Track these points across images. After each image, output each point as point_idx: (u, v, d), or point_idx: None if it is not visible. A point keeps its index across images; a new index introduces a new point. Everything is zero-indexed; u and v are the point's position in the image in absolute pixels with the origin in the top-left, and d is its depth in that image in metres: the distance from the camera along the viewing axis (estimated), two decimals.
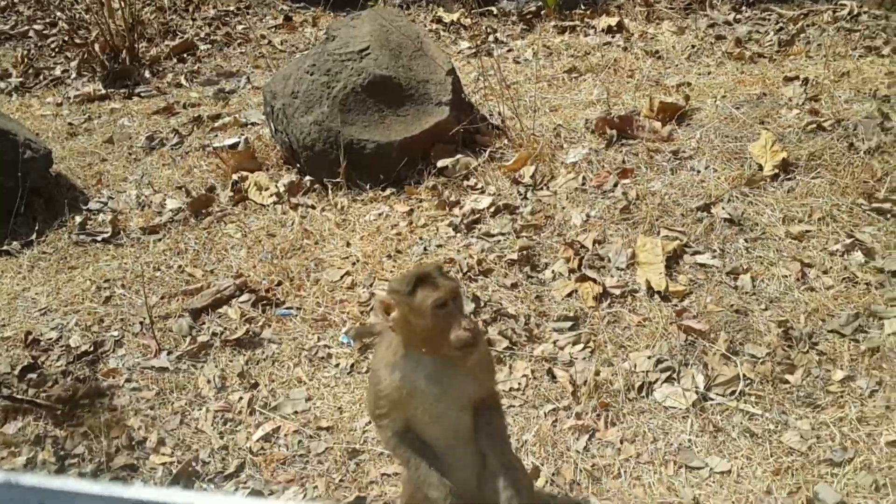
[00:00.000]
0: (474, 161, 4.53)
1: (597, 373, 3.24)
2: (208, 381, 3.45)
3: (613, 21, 6.17)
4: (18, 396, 3.37)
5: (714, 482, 2.83)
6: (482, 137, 4.76)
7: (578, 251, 3.81)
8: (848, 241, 3.68)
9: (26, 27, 7.41)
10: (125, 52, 6.48)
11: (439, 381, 2.27)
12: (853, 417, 2.97)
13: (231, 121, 5.48)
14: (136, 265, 4.13)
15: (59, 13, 7.61)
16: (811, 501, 2.71)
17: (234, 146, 5.11)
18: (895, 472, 2.77)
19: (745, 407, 3.06)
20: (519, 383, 3.26)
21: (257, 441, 3.19)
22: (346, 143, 4.47)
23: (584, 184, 4.26)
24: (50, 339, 3.71)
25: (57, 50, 7.08)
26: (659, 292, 3.55)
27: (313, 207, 4.47)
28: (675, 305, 3.50)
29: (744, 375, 3.15)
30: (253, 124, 5.42)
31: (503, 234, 4.01)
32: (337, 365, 3.49)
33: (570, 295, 3.63)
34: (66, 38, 7.08)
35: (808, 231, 3.78)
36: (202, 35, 7.12)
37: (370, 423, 3.13)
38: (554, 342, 3.42)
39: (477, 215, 4.16)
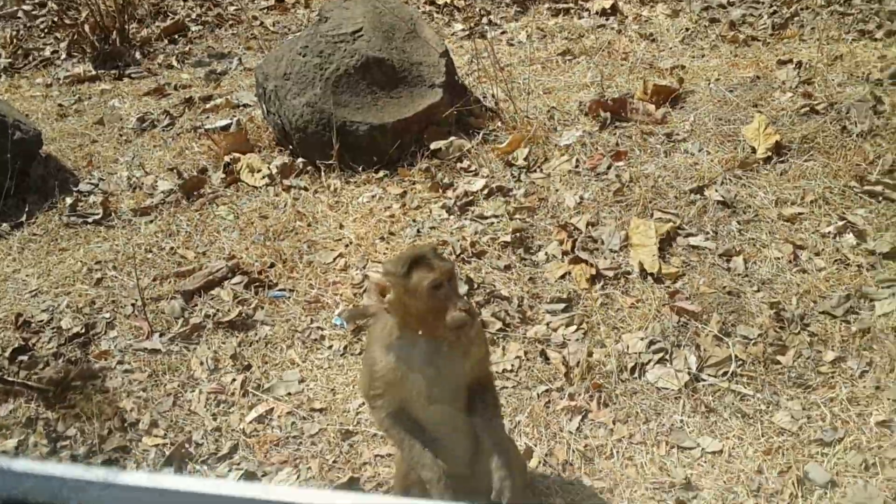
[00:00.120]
0: (468, 143, 4.52)
1: (590, 354, 3.25)
2: (201, 363, 3.45)
3: (608, 3, 6.15)
4: (9, 379, 3.36)
5: (706, 462, 2.85)
6: (476, 120, 4.74)
7: (572, 233, 3.81)
8: (840, 223, 3.69)
9: (15, 7, 7.34)
10: (115, 33, 6.42)
11: (434, 362, 2.27)
12: (844, 398, 2.99)
13: (223, 102, 5.45)
14: (127, 247, 4.11)
15: None
16: (801, 481, 2.73)
17: (225, 128, 5.08)
18: (884, 452, 2.79)
19: (737, 388, 3.08)
20: (512, 364, 3.27)
21: (250, 423, 3.19)
22: (338, 125, 4.45)
23: (577, 166, 4.25)
24: (41, 321, 3.69)
25: (46, 31, 7.02)
26: (652, 274, 3.56)
27: (306, 189, 4.45)
28: (668, 287, 3.51)
29: (736, 356, 3.17)
30: (245, 106, 5.39)
31: (496, 217, 4.01)
32: (330, 347, 3.49)
33: (563, 277, 3.64)
34: (55, 19, 7.01)
35: (800, 213, 3.78)
36: (193, 16, 7.07)
37: (363, 404, 3.14)
38: (547, 324, 3.43)
39: (470, 197, 4.15)
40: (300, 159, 4.64)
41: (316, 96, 4.55)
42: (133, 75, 6.18)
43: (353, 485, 2.88)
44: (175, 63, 6.32)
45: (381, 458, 2.99)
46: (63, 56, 6.56)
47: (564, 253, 3.74)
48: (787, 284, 3.47)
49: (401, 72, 4.66)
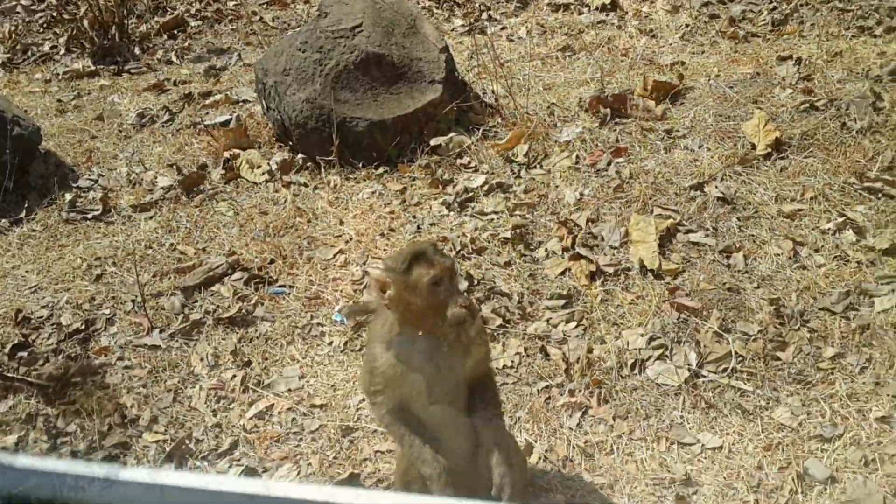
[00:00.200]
0: (468, 139, 4.51)
1: (590, 350, 3.25)
2: (201, 359, 3.45)
3: None
4: (9, 375, 3.36)
5: (705, 458, 2.85)
6: (475, 116, 4.74)
7: (572, 229, 3.81)
8: (839, 219, 3.69)
9: (14, 2, 7.32)
10: (114, 28, 6.41)
11: (434, 358, 2.27)
12: (843, 394, 2.99)
13: (222, 98, 5.44)
14: (127, 243, 4.11)
15: None
16: (801, 477, 2.73)
17: (225, 123, 5.07)
18: (884, 448, 2.80)
19: (737, 384, 3.08)
20: (512, 361, 3.27)
21: (251, 419, 3.19)
22: (338, 121, 4.44)
23: (577, 162, 4.25)
24: (41, 317, 3.69)
25: (45, 26, 7.00)
26: (652, 270, 3.56)
27: (306, 185, 4.45)
28: (668, 283, 3.51)
29: (736, 353, 3.17)
30: (244, 102, 5.38)
31: (496, 213, 4.01)
32: (330, 343, 3.49)
33: (563, 273, 3.64)
34: (54, 14, 6.99)
35: (800, 210, 3.79)
36: (192, 11, 7.05)
37: (364, 400, 3.14)
38: (547, 320, 3.43)
39: (470, 194, 4.15)
40: (300, 155, 4.63)
41: (315, 92, 4.54)
42: (132, 71, 6.17)
43: (353, 481, 2.89)
44: (174, 58, 6.31)
45: (381, 454, 3.00)
46: (62, 51, 6.54)
47: (564, 249, 3.74)
48: (787, 281, 3.47)
49: (400, 68, 4.65)
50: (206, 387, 3.33)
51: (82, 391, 3.32)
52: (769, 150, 4.10)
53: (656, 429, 2.97)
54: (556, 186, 4.10)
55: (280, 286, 3.78)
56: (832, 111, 4.30)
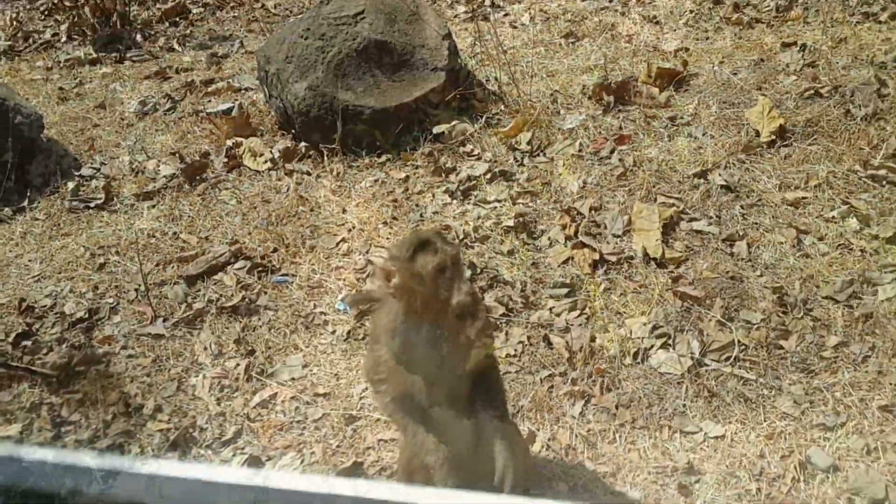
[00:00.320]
0: (470, 127, 4.50)
1: (592, 339, 3.26)
2: (205, 348, 3.46)
3: None
4: (13, 364, 3.37)
5: (708, 446, 2.86)
6: (478, 103, 4.73)
7: (575, 218, 3.80)
8: (843, 207, 3.68)
9: None
10: (116, 15, 6.39)
11: (438, 347, 2.28)
12: (846, 382, 2.99)
13: (224, 86, 5.43)
14: (130, 232, 4.11)
15: None
16: (803, 465, 2.74)
17: (227, 111, 5.06)
18: (886, 437, 2.80)
19: (740, 372, 3.08)
20: (515, 349, 3.27)
21: (254, 407, 3.20)
22: (341, 109, 4.43)
23: (580, 150, 4.24)
24: (44, 306, 3.70)
25: (46, 13, 6.98)
26: (655, 259, 3.55)
27: (308, 174, 4.45)
28: (671, 272, 3.50)
29: (738, 341, 3.17)
30: (247, 89, 5.37)
31: (499, 201, 4.00)
32: (333, 332, 3.49)
33: (566, 262, 3.64)
34: (55, 1, 6.97)
35: (804, 198, 3.78)
36: None
37: (367, 389, 3.15)
38: (550, 309, 3.43)
39: (473, 182, 4.14)
40: (302, 143, 4.62)
41: (318, 80, 4.53)
42: (134, 58, 6.15)
43: (356, 469, 2.90)
44: (176, 46, 6.29)
45: (384, 442, 3.01)
46: (63, 39, 6.53)
47: (567, 238, 3.73)
48: (791, 269, 3.46)
49: (403, 55, 4.63)
50: (209, 375, 3.34)
51: (86, 380, 3.33)
52: (773, 137, 4.09)
53: (659, 417, 2.97)
54: (559, 174, 4.09)
55: (283, 275, 3.78)
56: (836, 98, 4.28)
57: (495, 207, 3.97)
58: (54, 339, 3.52)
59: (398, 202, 4.12)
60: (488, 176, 4.15)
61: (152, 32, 6.53)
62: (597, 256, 3.60)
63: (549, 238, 3.76)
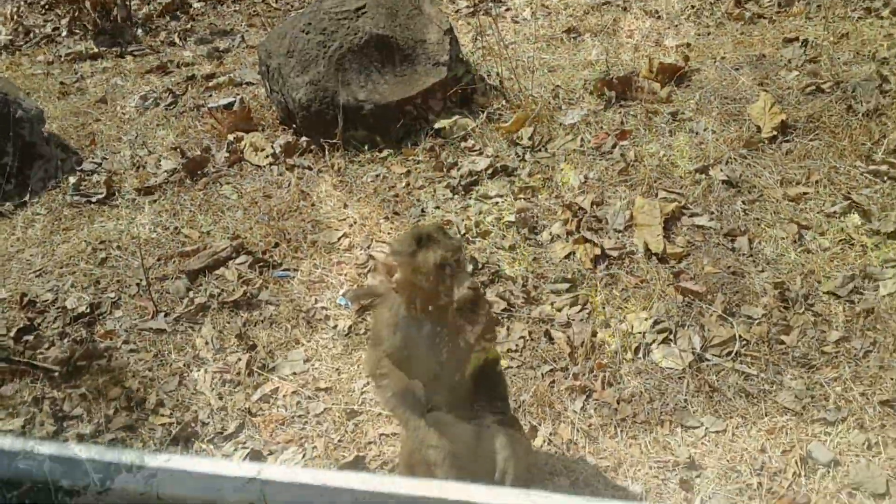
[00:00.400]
0: (472, 122, 4.50)
1: (594, 334, 3.26)
2: (206, 343, 3.46)
3: None
4: (15, 358, 3.37)
5: (709, 441, 2.86)
6: (480, 98, 4.72)
7: (576, 213, 3.80)
8: (845, 203, 3.68)
9: None
10: (117, 9, 6.38)
11: (440, 341, 2.28)
12: (847, 377, 3.00)
13: (226, 80, 5.42)
14: (131, 226, 4.11)
15: None
16: (804, 460, 2.74)
17: (229, 106, 5.06)
18: (887, 431, 2.81)
19: (741, 367, 3.09)
20: (516, 344, 3.28)
21: (256, 402, 3.20)
22: (342, 104, 4.43)
23: (582, 145, 4.24)
24: (46, 300, 3.70)
25: (47, 7, 6.97)
26: (656, 254, 3.56)
27: (310, 169, 4.44)
28: (673, 267, 3.51)
29: (740, 336, 3.17)
30: (248, 84, 5.36)
31: (501, 196, 4.00)
32: (335, 327, 3.50)
33: (567, 257, 3.64)
34: None
35: (805, 193, 3.77)
36: None
37: (368, 384, 3.15)
38: (551, 304, 3.43)
39: (474, 177, 4.14)
40: (304, 138, 4.62)
41: (319, 74, 4.52)
42: (135, 53, 6.14)
43: (358, 463, 2.90)
44: (177, 40, 6.28)
45: (386, 437, 3.01)
46: (64, 33, 6.51)
47: (569, 233, 3.73)
48: (792, 264, 3.46)
49: (405, 49, 4.63)
50: (211, 370, 3.34)
51: (88, 375, 3.33)
52: (775, 132, 4.08)
53: (660, 412, 2.98)
54: (561, 170, 4.09)
55: (284, 270, 3.79)
56: (838, 94, 4.28)
57: (497, 203, 3.97)
58: (56, 333, 3.53)
59: (399, 197, 4.12)
60: (490, 171, 4.15)
61: (153, 27, 6.52)
62: (598, 251, 3.60)
63: (550, 233, 3.76)
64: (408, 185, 4.20)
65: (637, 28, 5.41)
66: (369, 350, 2.47)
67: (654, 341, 3.21)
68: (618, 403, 3.02)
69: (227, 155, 4.60)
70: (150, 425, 3.14)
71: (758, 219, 3.69)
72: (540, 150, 4.28)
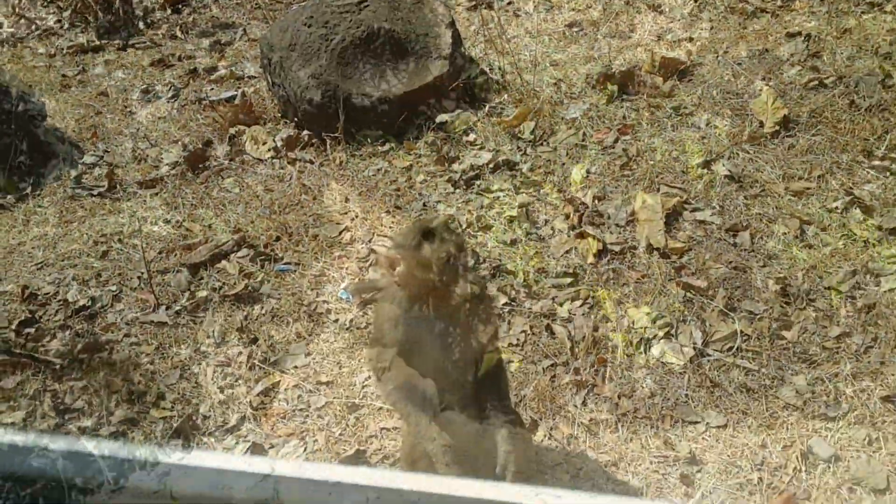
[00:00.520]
0: (474, 116, 4.49)
1: (595, 329, 3.26)
2: (207, 336, 3.46)
3: None
4: (17, 351, 3.38)
5: (710, 436, 2.87)
6: (482, 92, 4.71)
7: (578, 207, 3.80)
8: (847, 198, 3.68)
9: None
10: (118, 2, 6.36)
11: (442, 335, 2.28)
12: (848, 373, 3.00)
13: (227, 73, 5.41)
14: (133, 220, 4.11)
15: None
16: (805, 455, 2.75)
17: (230, 99, 5.05)
18: (888, 427, 2.81)
19: (742, 363, 3.09)
20: (518, 339, 3.28)
21: (257, 395, 3.21)
22: (344, 97, 4.42)
23: (584, 140, 4.23)
24: (47, 293, 3.70)
25: (49, 0, 6.95)
26: (658, 249, 3.55)
27: (311, 162, 4.44)
28: (674, 262, 3.50)
29: (741, 331, 3.17)
30: (250, 77, 5.36)
31: (502, 191, 4.00)
32: (336, 320, 3.50)
33: (569, 251, 3.63)
34: None
35: (807, 188, 3.77)
36: None
37: (370, 378, 3.16)
38: (553, 298, 3.43)
39: (476, 171, 4.14)
40: (305, 132, 4.62)
41: (321, 68, 4.51)
42: (137, 46, 6.13)
43: (359, 457, 2.91)
44: (179, 33, 6.26)
45: (387, 430, 3.02)
46: (66, 26, 6.50)
47: (571, 227, 3.73)
48: (794, 259, 3.46)
49: (407, 43, 4.62)
50: (212, 363, 3.35)
51: (89, 368, 3.34)
52: (777, 127, 4.08)
53: (661, 407, 2.98)
54: (563, 164, 4.09)
55: (286, 263, 3.79)
56: (841, 88, 4.27)
57: (498, 197, 3.97)
58: (57, 326, 3.53)
59: (401, 191, 4.11)
60: (491, 165, 4.15)
61: (155, 20, 6.50)
62: (600, 246, 3.60)
63: (552, 228, 3.76)
64: (409, 179, 4.19)
65: (639, 22, 5.40)
66: (371, 344, 2.48)
67: (655, 336, 3.21)
68: (619, 398, 3.03)
69: (228, 148, 4.59)
70: (152, 418, 3.14)
71: (760, 214, 3.68)
72: (542, 144, 4.27)
